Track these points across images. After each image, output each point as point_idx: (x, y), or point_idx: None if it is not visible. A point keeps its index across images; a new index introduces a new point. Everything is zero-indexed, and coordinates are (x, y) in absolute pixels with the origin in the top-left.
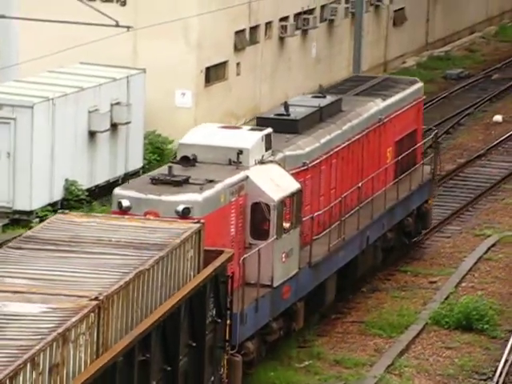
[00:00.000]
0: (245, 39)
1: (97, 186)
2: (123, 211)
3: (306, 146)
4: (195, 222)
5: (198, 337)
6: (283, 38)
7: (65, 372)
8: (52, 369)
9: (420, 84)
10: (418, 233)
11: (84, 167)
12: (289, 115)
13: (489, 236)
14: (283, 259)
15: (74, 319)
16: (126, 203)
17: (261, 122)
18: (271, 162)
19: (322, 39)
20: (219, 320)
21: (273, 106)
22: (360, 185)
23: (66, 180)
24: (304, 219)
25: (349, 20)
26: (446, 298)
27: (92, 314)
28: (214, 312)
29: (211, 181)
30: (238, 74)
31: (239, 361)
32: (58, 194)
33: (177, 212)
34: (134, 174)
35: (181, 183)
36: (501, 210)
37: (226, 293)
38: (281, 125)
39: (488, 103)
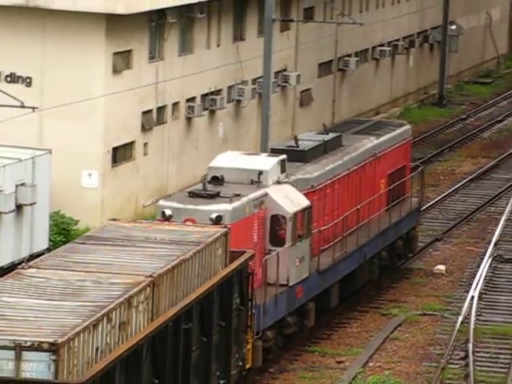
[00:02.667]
0: (152, 119)
1: (1, 268)
2: (166, 219)
3: (313, 171)
4: (223, 227)
5: (227, 318)
6: (190, 118)
7: (129, 330)
8: (121, 325)
9: (408, 126)
10: (405, 255)
11: None
12: (298, 147)
13: (395, 315)
14: (297, 263)
15: (135, 289)
16: (168, 212)
17: (275, 152)
18: (286, 182)
19: (230, 119)
20: (242, 307)
21: (180, 185)
22: (358, 207)
23: None
24: (313, 232)
25: (256, 100)
26: (353, 378)
27: (148, 288)
28: (238, 301)
29: (238, 195)
30: (145, 154)
31: (260, 345)
32: None
33: (211, 219)
34: (39, 256)
35: (213, 196)
36: (407, 290)
37: (248, 286)
38: (292, 155)
39: None
